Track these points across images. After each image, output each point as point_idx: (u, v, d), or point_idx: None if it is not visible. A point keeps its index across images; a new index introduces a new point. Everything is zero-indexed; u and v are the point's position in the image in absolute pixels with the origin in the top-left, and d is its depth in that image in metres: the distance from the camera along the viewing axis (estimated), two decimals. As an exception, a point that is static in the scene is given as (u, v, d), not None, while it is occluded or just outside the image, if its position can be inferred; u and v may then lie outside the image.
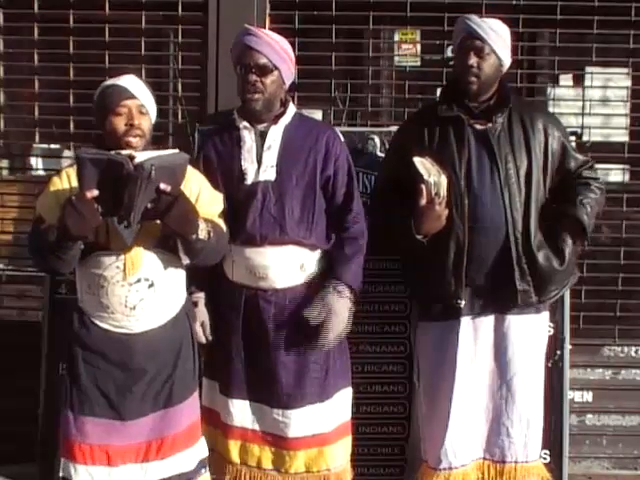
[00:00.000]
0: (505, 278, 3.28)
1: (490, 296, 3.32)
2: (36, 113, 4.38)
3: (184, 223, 2.93)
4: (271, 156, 3.24)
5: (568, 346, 3.83)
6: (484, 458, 3.45)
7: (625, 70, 4.42)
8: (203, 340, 3.33)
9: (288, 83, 3.31)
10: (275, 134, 3.25)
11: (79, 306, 3.08)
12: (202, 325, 3.33)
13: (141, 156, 2.81)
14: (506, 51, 3.35)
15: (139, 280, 3.00)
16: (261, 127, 3.27)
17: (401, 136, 3.51)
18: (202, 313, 3.33)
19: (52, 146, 4.62)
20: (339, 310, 3.21)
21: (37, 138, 4.48)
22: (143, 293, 3.02)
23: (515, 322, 3.36)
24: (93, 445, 3.04)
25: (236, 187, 3.24)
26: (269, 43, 3.20)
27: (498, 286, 3.29)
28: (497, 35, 3.30)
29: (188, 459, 3.17)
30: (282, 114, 3.28)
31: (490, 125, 3.31)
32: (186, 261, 3.08)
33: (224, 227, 3.14)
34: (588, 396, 4.37)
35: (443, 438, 3.35)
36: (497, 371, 3.39)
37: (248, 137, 3.26)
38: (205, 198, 3.10)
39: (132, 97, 3.00)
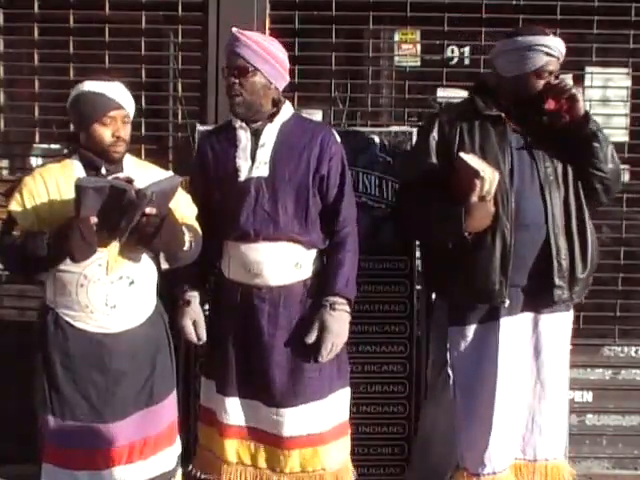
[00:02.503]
0: (543, 275, 3.29)
1: (528, 295, 3.33)
2: (36, 113, 4.38)
3: (171, 243, 3.00)
4: (264, 153, 3.24)
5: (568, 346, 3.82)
6: (516, 458, 3.45)
7: (625, 70, 4.42)
8: (194, 339, 3.34)
9: (277, 83, 3.27)
10: (270, 132, 3.26)
11: (51, 307, 3.06)
12: (194, 324, 3.33)
13: (138, 179, 2.89)
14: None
15: (120, 277, 3.02)
16: (255, 126, 3.27)
17: (434, 131, 3.40)
18: (195, 312, 3.34)
19: (52, 146, 4.62)
20: (335, 328, 3.23)
21: (37, 138, 4.47)
22: (124, 291, 3.03)
23: (549, 320, 3.39)
24: (76, 449, 3.04)
25: (230, 184, 3.25)
26: (247, 45, 3.19)
27: (536, 284, 3.30)
28: (563, 51, 3.33)
29: (169, 458, 3.20)
30: (276, 113, 3.28)
31: (526, 125, 3.32)
32: (165, 266, 3.10)
33: (200, 231, 3.19)
34: (588, 396, 4.37)
35: (487, 442, 3.33)
36: (533, 370, 3.40)
37: (244, 136, 3.27)
38: (183, 203, 3.15)
39: (119, 107, 3.01)
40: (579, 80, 4.46)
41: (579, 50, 4.37)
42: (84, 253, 2.87)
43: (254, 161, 3.24)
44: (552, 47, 3.27)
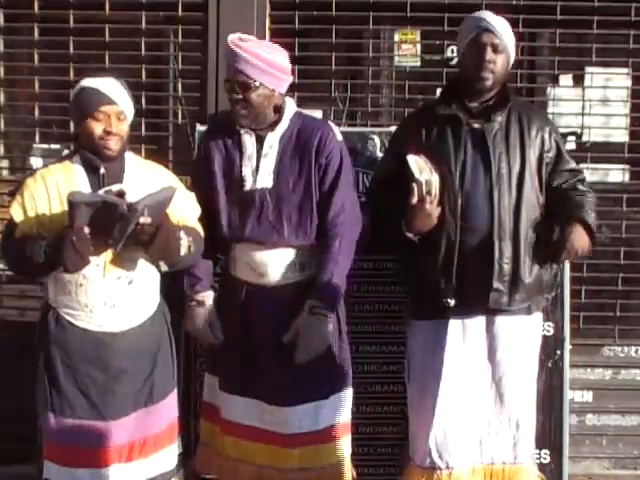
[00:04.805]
0: (487, 278, 3.28)
1: (477, 297, 3.30)
2: (36, 113, 4.38)
3: (166, 250, 3.01)
4: (268, 163, 3.23)
5: (568, 346, 3.83)
6: (473, 463, 3.42)
7: (625, 70, 4.42)
8: (212, 340, 3.33)
9: (281, 89, 3.25)
10: (272, 141, 3.25)
11: (52, 306, 3.08)
12: (210, 325, 3.32)
13: (131, 191, 2.91)
14: (513, 49, 3.36)
15: (119, 277, 3.03)
16: (260, 132, 3.26)
17: (399, 134, 3.52)
18: (209, 312, 3.33)
19: (52, 146, 4.62)
20: (311, 332, 3.18)
21: (37, 138, 4.47)
22: (123, 290, 3.04)
23: (505, 323, 3.35)
24: (76, 447, 3.05)
25: (235, 191, 3.26)
26: (247, 59, 3.14)
27: (481, 286, 3.28)
28: (508, 32, 3.32)
29: (170, 457, 3.21)
30: (279, 120, 3.25)
31: (486, 124, 3.30)
32: (164, 269, 3.11)
33: (202, 232, 3.19)
34: (588, 396, 4.37)
35: (427, 437, 3.35)
36: (487, 372, 3.38)
37: (249, 142, 3.26)
38: (185, 204, 3.15)
39: (111, 103, 3.00)
40: (579, 80, 4.47)
41: (579, 50, 4.38)
42: (76, 264, 2.89)
43: (258, 170, 3.24)
44: (484, 20, 3.29)
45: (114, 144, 3.01)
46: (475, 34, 3.29)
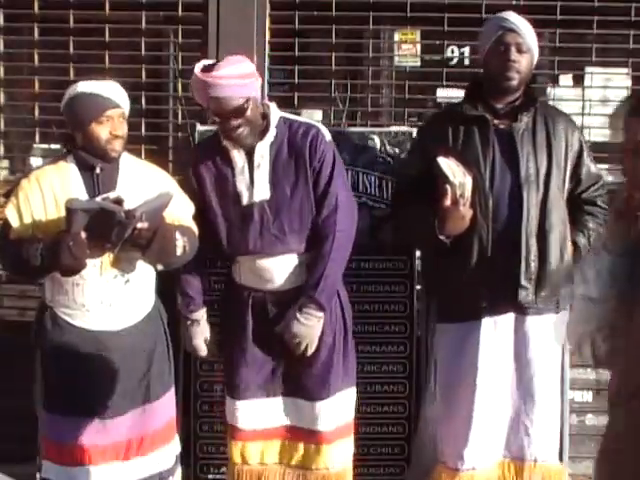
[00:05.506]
0: (514, 276, 3.28)
1: (506, 295, 3.30)
2: (36, 113, 4.39)
3: (163, 253, 3.03)
4: (262, 174, 3.21)
5: (568, 346, 3.82)
6: (504, 456, 3.44)
7: (625, 70, 4.42)
8: (208, 356, 3.41)
9: (259, 93, 3.21)
10: (262, 150, 3.21)
11: (50, 306, 3.09)
12: (205, 341, 3.36)
13: (127, 194, 2.93)
14: (537, 49, 3.37)
15: (115, 276, 3.04)
16: (248, 143, 3.21)
17: (423, 137, 3.49)
18: (205, 330, 3.36)
19: (52, 146, 4.62)
20: (300, 331, 3.19)
21: (37, 138, 4.48)
22: (119, 289, 3.05)
23: (535, 322, 3.35)
24: (73, 445, 3.06)
25: (232, 208, 3.24)
26: (227, 85, 3.08)
27: (510, 285, 3.28)
28: (530, 32, 3.33)
29: (167, 456, 3.22)
30: (266, 128, 3.21)
31: (514, 124, 3.31)
32: (160, 268, 3.13)
33: (196, 231, 3.18)
34: (588, 396, 4.37)
35: (466, 438, 3.34)
36: (517, 371, 3.38)
37: (238, 156, 3.23)
38: (179, 204, 3.14)
39: (115, 106, 3.02)
40: (579, 80, 4.47)
41: (579, 50, 4.38)
42: (73, 269, 2.91)
43: (253, 183, 3.21)
44: (508, 20, 3.30)
45: (119, 145, 3.04)
46: (499, 34, 3.30)
